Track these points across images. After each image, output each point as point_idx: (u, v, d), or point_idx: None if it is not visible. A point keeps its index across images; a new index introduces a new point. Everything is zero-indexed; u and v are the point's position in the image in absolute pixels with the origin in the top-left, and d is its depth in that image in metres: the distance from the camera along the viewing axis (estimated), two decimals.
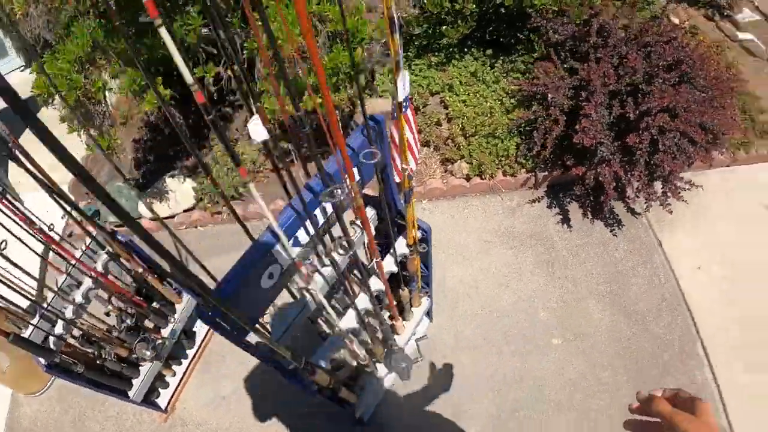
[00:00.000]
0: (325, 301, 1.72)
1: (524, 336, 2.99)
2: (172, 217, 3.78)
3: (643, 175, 2.98)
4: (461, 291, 3.18)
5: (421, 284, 2.53)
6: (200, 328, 3.27)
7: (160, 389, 3.07)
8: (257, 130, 1.15)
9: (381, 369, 2.60)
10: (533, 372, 2.88)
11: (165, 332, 2.90)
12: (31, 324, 2.37)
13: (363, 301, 2.00)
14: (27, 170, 1.95)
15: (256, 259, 1.37)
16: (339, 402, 2.34)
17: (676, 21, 3.71)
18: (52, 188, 2.10)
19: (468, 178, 3.47)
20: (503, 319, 3.05)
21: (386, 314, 2.33)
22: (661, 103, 2.83)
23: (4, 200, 2.06)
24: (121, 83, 2.93)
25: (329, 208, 1.64)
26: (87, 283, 2.60)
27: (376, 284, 2.00)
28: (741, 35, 4.15)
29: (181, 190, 3.72)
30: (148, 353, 2.73)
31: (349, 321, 1.99)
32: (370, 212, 2.03)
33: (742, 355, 2.81)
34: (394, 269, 2.10)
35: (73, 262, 2.48)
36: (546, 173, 3.44)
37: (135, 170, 3.96)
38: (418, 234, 2.06)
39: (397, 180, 2.05)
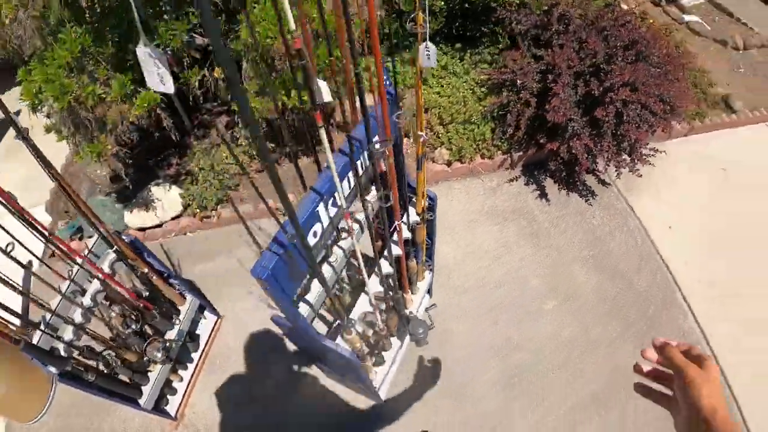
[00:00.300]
0: (359, 252, 1.82)
1: (518, 304, 3.15)
2: (160, 225, 3.74)
3: (612, 146, 3.22)
4: (454, 267, 3.33)
5: (425, 258, 2.65)
6: (204, 330, 3.25)
7: (168, 396, 3.02)
8: (324, 91, 1.27)
9: (395, 342, 2.69)
10: (530, 337, 3.04)
11: (171, 334, 2.88)
12: (40, 330, 2.31)
13: (385, 267, 2.10)
14: (39, 161, 1.96)
15: (307, 209, 1.47)
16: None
17: (626, 7, 4.03)
18: (63, 185, 2.11)
19: (449, 164, 3.64)
20: (497, 289, 3.20)
21: None
22: (623, 78, 3.09)
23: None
24: (113, 88, 2.93)
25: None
26: (95, 285, 2.57)
27: (394, 250, 2.11)
28: (687, 17, 4.56)
29: (167, 198, 3.70)
30: (159, 355, 2.71)
31: (373, 285, 2.08)
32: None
33: (720, 300, 3.08)
34: (408, 235, 2.21)
35: (79, 261, 2.45)
36: (521, 153, 3.65)
37: (118, 181, 3.90)
38: (426, 203, 2.19)
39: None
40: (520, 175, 3.71)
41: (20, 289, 2.18)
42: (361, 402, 2.91)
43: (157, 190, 3.70)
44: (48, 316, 2.38)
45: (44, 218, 3.81)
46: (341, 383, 2.98)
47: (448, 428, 2.79)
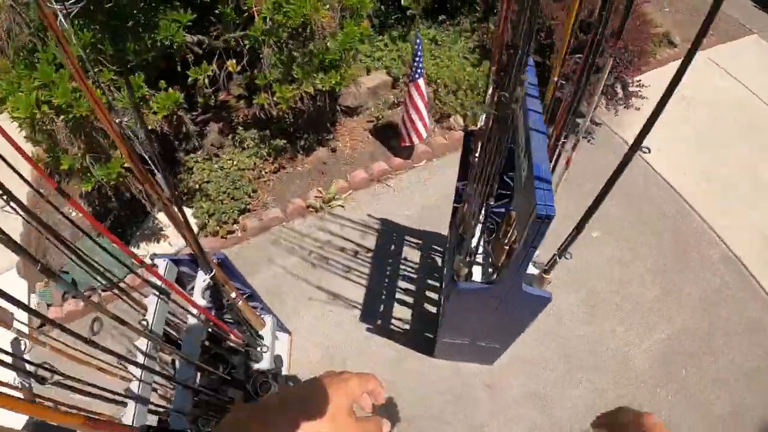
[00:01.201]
0: None
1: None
2: (176, 254, 2.93)
3: (609, 88, 3.30)
4: None
5: None
6: (282, 351, 2.61)
7: None
8: None
9: None
10: (591, 264, 3.04)
11: (265, 363, 2.26)
12: (129, 397, 1.58)
13: None
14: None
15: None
16: None
17: None
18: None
19: (465, 128, 3.41)
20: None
21: None
22: (613, 27, 3.15)
23: None
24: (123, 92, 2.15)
25: None
26: (193, 324, 1.88)
27: None
28: None
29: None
30: (273, 387, 2.12)
31: None
32: None
33: (713, 200, 3.33)
34: None
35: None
36: None
37: (102, 218, 2.97)
38: None
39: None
40: None
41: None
42: (469, 375, 2.67)
43: (163, 216, 2.89)
44: (136, 383, 1.67)
45: (18, 283, 2.75)
46: (454, 359, 2.63)
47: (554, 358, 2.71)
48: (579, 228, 1.55)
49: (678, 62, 3.55)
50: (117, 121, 1.18)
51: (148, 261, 2.11)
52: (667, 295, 2.97)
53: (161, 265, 1.91)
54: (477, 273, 1.96)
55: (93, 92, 1.15)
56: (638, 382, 2.68)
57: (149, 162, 1.56)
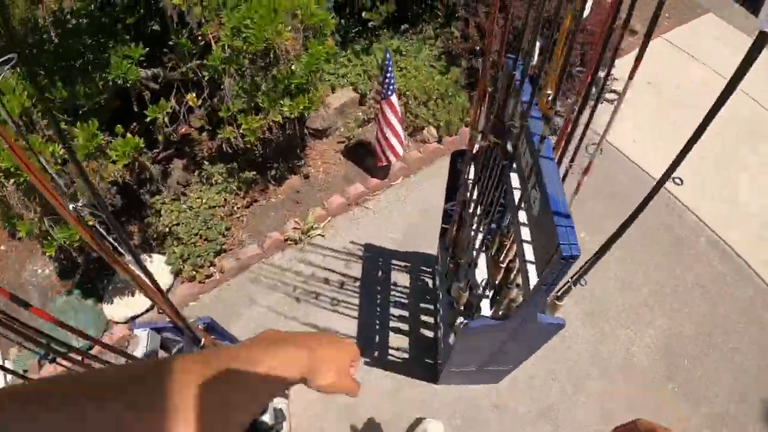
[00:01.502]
0: None
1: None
2: (152, 307, 2.72)
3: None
4: None
5: None
6: (280, 402, 2.45)
7: None
8: None
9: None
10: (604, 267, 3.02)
11: (267, 416, 2.12)
12: None
13: None
14: None
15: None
16: None
17: None
18: None
19: (440, 139, 3.33)
20: None
21: None
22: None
23: None
24: (78, 142, 1.95)
25: None
26: None
27: None
28: None
29: (151, 271, 2.69)
30: None
31: None
32: None
33: (701, 186, 3.39)
34: None
35: None
36: None
37: (69, 276, 2.73)
38: None
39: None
40: None
41: None
42: (474, 397, 2.60)
43: (134, 268, 2.67)
44: None
45: None
46: (460, 383, 2.55)
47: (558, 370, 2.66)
48: (598, 256, 1.47)
49: (638, 50, 3.48)
50: (72, 207, 1.03)
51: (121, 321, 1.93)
52: (670, 294, 2.98)
53: (143, 336, 1.75)
54: (485, 306, 1.87)
55: (35, 170, 0.99)
56: (645, 382, 2.66)
57: (113, 243, 1.41)
